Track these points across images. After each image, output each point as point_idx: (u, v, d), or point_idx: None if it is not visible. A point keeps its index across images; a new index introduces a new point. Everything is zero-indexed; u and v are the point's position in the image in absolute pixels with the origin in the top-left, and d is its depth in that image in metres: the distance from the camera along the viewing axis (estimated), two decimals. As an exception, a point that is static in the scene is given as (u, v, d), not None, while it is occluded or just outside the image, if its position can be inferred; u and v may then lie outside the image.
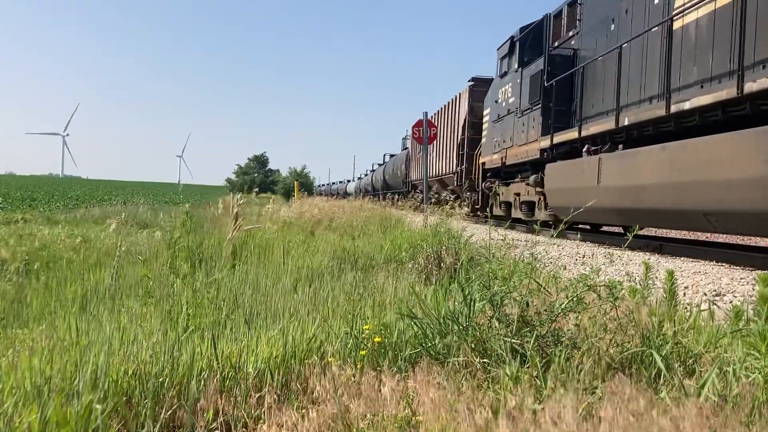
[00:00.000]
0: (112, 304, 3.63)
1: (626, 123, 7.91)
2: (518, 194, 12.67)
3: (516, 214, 12.75)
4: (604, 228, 12.14)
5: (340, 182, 64.13)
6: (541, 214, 11.09)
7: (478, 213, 15.71)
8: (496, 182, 14.33)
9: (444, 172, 20.85)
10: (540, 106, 10.95)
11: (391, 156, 37.69)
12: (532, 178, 11.26)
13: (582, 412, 1.74)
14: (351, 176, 74.34)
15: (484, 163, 15.12)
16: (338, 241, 7.47)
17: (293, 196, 25.84)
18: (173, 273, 4.80)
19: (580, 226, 11.44)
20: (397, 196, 22.73)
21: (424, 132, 11.73)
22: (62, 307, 3.77)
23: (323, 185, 77.01)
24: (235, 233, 5.34)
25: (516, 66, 12.66)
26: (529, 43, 12.18)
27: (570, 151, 9.85)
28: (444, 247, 5.24)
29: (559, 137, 10.05)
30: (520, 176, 12.54)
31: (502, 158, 13.33)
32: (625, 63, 8.28)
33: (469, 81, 18.07)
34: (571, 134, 9.60)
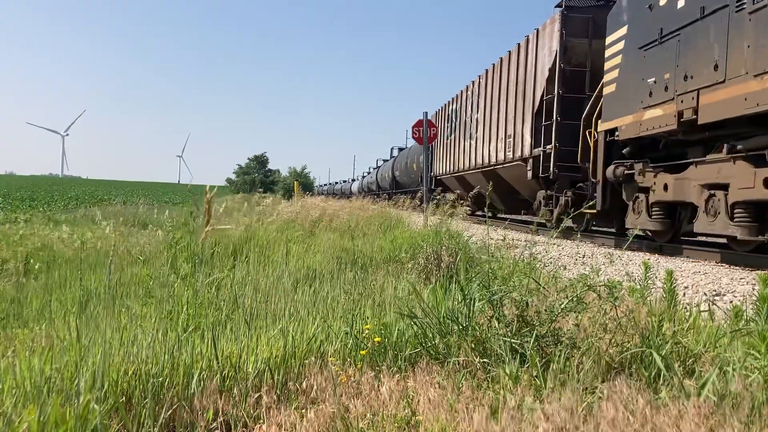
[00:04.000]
0: (112, 305, 3.63)
1: None
2: (715, 187, 6.35)
3: (713, 227, 6.34)
4: (600, 228, 9.79)
5: (344, 182, 62.93)
6: None
7: (572, 222, 8.79)
8: (639, 166, 7.78)
9: (498, 159, 13.37)
10: None
11: (401, 150, 31.31)
12: None
13: (581, 411, 1.74)
14: (351, 176, 73.59)
15: (610, 132, 8.48)
16: (338, 241, 7.47)
17: (293, 195, 25.79)
18: (174, 273, 4.79)
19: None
20: (410, 199, 15.99)
21: (424, 133, 11.71)
22: (62, 307, 3.77)
23: (325, 185, 76.16)
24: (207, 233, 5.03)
25: None
26: None
27: None
28: (444, 247, 5.23)
29: None
30: (728, 146, 6.17)
31: (677, 114, 6.63)
32: None
33: (556, 6, 10.83)
34: None
